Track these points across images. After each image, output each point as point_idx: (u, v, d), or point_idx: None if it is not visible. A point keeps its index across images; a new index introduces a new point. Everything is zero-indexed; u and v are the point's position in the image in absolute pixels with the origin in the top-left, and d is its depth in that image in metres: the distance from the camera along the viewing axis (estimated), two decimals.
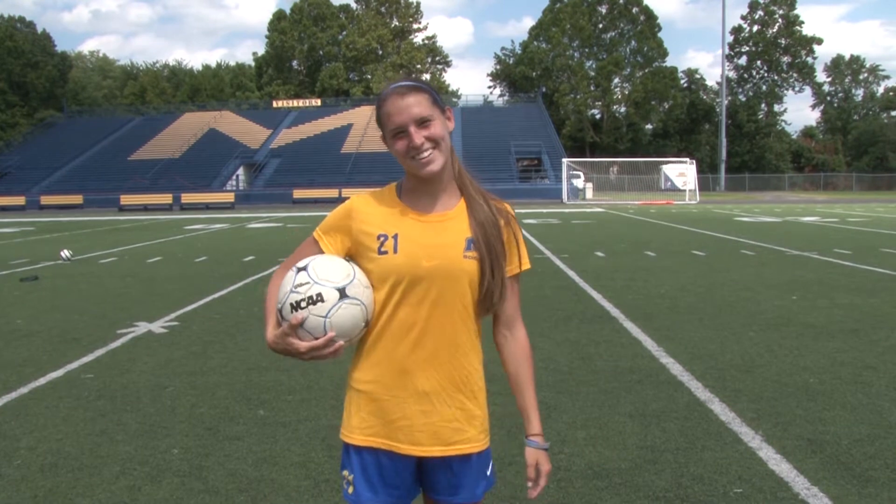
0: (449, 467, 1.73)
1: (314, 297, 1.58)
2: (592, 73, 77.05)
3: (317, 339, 1.59)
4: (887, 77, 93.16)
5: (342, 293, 1.60)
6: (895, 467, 3.49)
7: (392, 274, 1.67)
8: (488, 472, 1.80)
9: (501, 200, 1.80)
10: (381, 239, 1.69)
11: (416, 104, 1.65)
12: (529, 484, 1.79)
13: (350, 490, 1.74)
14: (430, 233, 1.70)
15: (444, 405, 1.70)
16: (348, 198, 1.85)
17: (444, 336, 1.69)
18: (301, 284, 1.60)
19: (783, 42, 78.36)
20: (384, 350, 1.70)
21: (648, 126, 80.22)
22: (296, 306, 1.59)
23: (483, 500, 1.80)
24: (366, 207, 1.75)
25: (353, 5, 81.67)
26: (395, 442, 1.70)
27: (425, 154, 1.65)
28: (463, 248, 1.68)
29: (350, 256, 1.76)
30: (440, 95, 1.72)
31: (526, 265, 1.80)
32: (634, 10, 77.95)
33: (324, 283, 1.60)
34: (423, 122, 1.65)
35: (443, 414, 1.70)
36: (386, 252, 1.68)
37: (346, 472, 1.76)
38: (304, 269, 1.63)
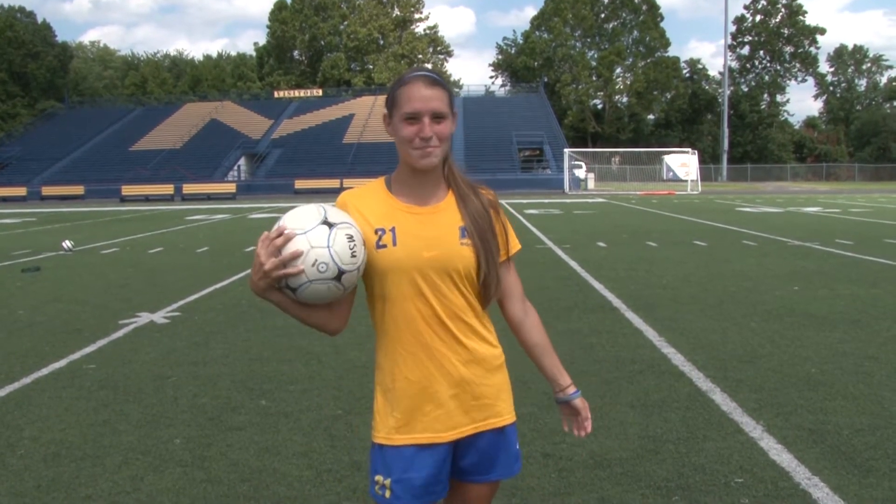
0: (483, 444, 1.77)
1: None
2: (594, 64, 76.81)
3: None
4: (890, 67, 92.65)
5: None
6: None
7: (394, 267, 1.70)
8: (518, 447, 1.86)
9: (485, 187, 1.85)
10: (379, 233, 1.71)
11: (437, 99, 1.69)
12: (587, 423, 1.92)
13: (387, 494, 1.72)
14: (425, 225, 1.73)
15: (472, 384, 1.75)
16: (350, 188, 1.86)
17: (455, 321, 1.73)
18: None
19: (786, 32, 78.04)
20: (403, 345, 1.73)
21: (650, 116, 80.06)
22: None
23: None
24: (359, 202, 1.77)
25: None
26: (434, 433, 1.72)
27: (430, 147, 1.69)
28: (458, 237, 1.73)
29: None
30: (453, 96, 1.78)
31: (516, 247, 1.85)
32: None
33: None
34: (437, 118, 1.69)
35: (473, 392, 1.75)
36: (385, 245, 1.71)
37: (379, 477, 1.74)
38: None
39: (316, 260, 1.60)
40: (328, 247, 1.61)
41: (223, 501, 3.21)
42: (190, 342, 6.17)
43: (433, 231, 1.73)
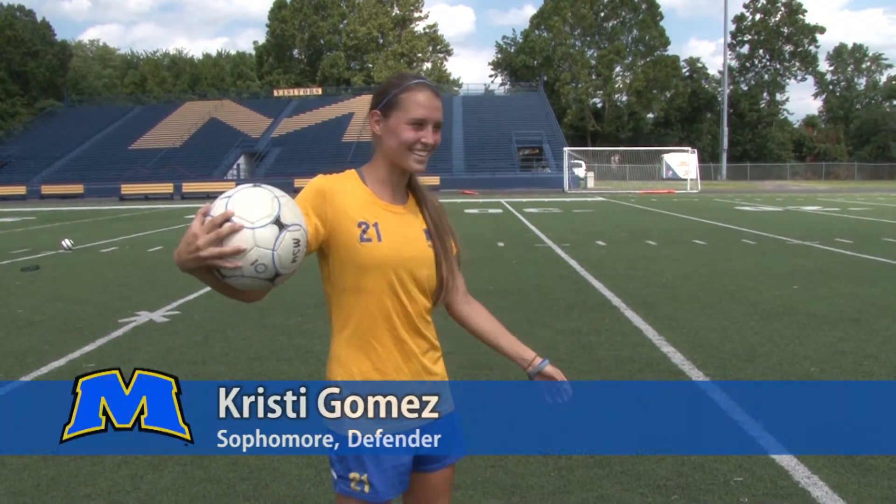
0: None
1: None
2: (594, 62, 76.78)
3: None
4: (890, 66, 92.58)
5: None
6: (895, 456, 3.50)
7: (379, 263, 1.72)
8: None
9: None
10: (363, 226, 1.72)
11: (440, 110, 1.79)
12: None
13: (366, 489, 1.73)
14: (401, 223, 1.78)
15: (432, 374, 1.83)
16: None
17: (421, 315, 1.79)
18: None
19: (786, 31, 77.95)
20: (375, 338, 1.75)
21: (650, 115, 79.97)
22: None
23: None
24: (340, 190, 1.76)
25: None
26: (406, 421, 1.75)
27: (425, 154, 1.77)
28: (425, 238, 1.81)
29: (323, 243, 1.73)
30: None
31: (457, 246, 1.93)
32: None
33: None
34: (437, 128, 1.79)
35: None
36: (370, 240, 1.72)
37: (355, 474, 1.74)
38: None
39: (256, 260, 1.51)
40: (273, 250, 1.52)
41: (223, 500, 3.21)
42: (189, 341, 6.16)
43: (408, 231, 1.79)
